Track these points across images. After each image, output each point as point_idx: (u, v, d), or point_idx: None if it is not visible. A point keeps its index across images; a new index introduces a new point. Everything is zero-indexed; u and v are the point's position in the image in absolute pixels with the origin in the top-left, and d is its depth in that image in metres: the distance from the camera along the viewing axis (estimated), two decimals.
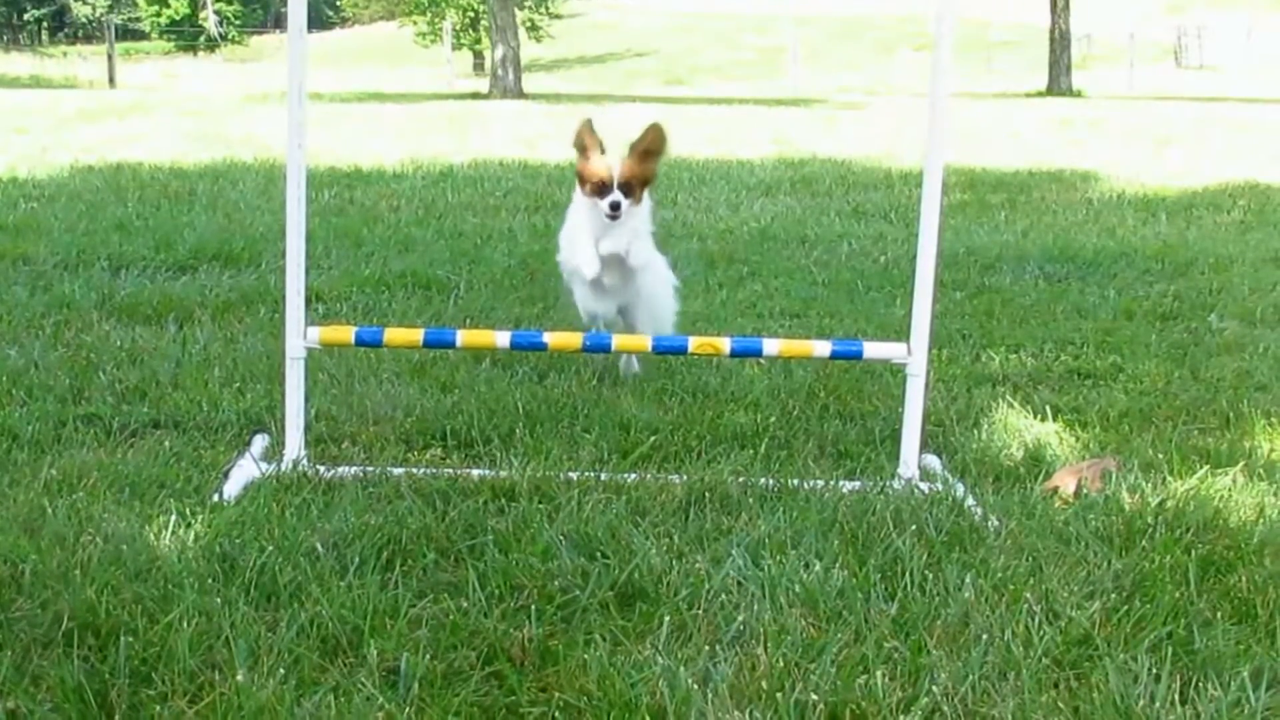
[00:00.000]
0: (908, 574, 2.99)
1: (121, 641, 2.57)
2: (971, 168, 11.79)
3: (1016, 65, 40.77)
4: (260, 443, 3.98)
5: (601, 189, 4.41)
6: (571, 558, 3.05)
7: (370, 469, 3.69)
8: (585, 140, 4.49)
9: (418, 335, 4.07)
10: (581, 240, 4.50)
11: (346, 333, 4.06)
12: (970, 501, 3.54)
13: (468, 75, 40.95)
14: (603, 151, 4.48)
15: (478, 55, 45.92)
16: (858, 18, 54.45)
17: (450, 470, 3.70)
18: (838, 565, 3.03)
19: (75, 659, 2.54)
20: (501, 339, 3.91)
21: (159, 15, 64.28)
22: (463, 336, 4.04)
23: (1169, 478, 3.74)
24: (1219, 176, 11.55)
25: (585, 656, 2.60)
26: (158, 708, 2.40)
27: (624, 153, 4.45)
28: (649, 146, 4.44)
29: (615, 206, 4.38)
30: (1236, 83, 34.09)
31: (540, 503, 3.41)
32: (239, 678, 2.46)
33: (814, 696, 2.46)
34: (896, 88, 30.36)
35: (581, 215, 4.54)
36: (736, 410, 4.37)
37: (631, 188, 4.41)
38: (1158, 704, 2.47)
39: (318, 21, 62.65)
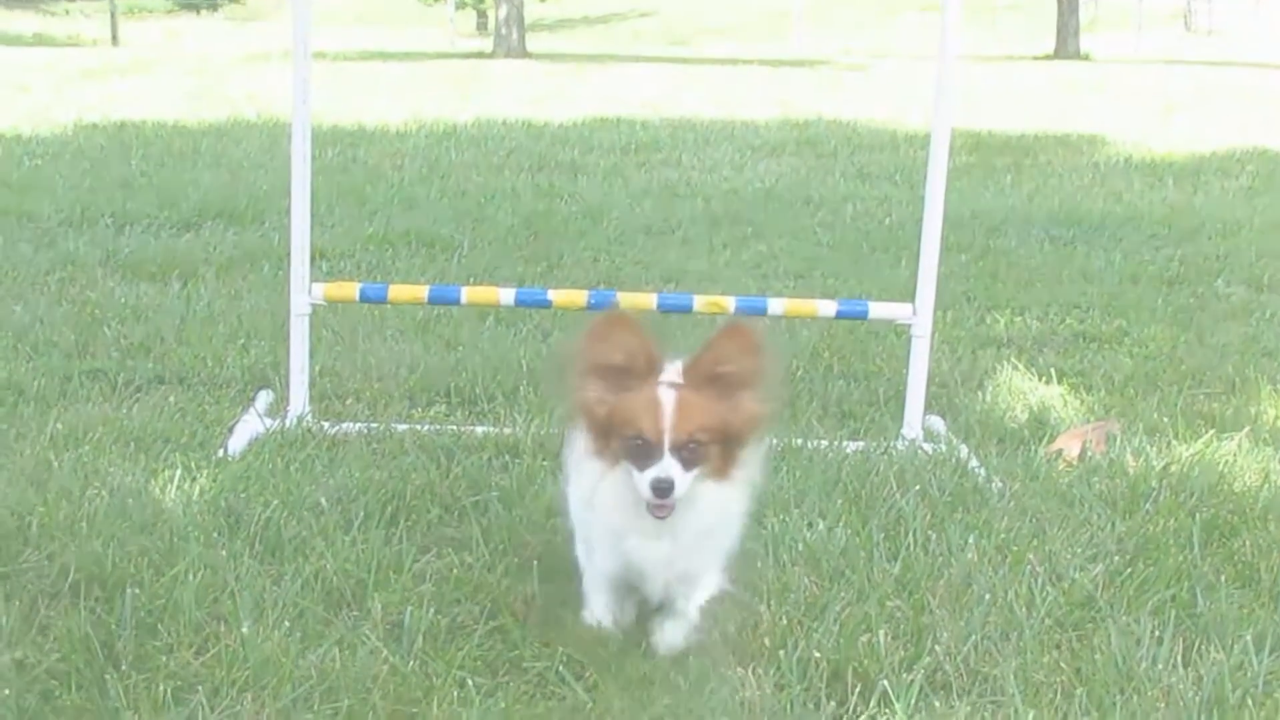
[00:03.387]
0: (911, 534, 3.00)
1: (128, 593, 2.59)
2: (977, 130, 11.72)
3: (1024, 28, 40.44)
4: (264, 399, 3.98)
5: (639, 451, 2.29)
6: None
7: (374, 425, 3.70)
8: (615, 344, 2.32)
9: (422, 292, 4.06)
10: (593, 576, 2.54)
11: (351, 289, 4.06)
12: (974, 463, 3.54)
13: (471, 35, 40.60)
14: (650, 369, 2.34)
15: (481, 14, 45.53)
16: None
17: (454, 427, 3.71)
18: (841, 524, 3.04)
19: (82, 610, 2.56)
20: (505, 296, 3.90)
21: None
22: (467, 293, 4.03)
23: (1174, 442, 3.74)
24: (1227, 142, 11.48)
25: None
26: (164, 658, 2.42)
27: (679, 372, 2.36)
28: (727, 365, 2.32)
29: (664, 490, 2.26)
30: (1245, 48, 33.80)
31: (544, 460, 3.42)
32: (244, 630, 2.48)
33: (816, 654, 2.47)
34: (901, 50, 30.11)
35: (591, 486, 2.41)
36: None
37: (699, 449, 2.29)
38: (1160, 666, 2.48)
39: None
